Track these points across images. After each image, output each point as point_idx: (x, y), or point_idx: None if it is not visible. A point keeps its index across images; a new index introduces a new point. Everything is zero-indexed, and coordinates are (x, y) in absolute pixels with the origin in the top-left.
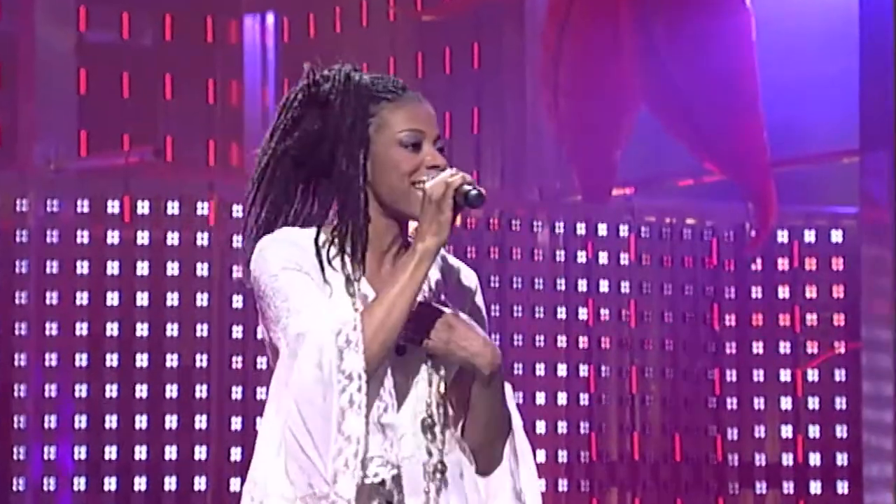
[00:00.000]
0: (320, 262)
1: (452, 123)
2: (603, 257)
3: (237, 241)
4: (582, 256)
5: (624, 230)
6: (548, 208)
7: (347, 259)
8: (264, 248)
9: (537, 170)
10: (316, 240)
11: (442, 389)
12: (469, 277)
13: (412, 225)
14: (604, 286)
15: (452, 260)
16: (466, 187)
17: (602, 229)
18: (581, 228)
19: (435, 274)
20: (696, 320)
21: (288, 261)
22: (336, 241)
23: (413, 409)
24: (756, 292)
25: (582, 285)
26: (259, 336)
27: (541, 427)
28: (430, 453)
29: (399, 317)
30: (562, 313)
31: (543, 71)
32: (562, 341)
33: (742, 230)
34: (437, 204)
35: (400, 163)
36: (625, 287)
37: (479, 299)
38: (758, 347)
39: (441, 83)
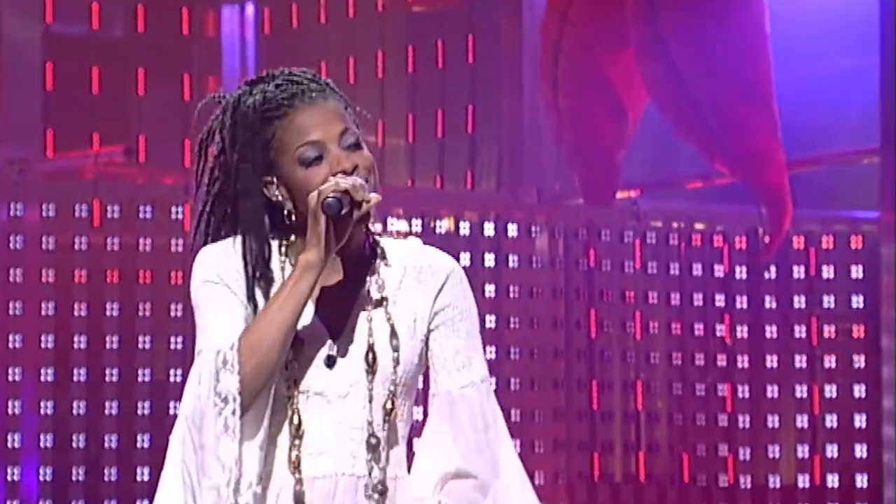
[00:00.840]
0: (247, 272)
1: (445, 121)
2: (606, 264)
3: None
4: (583, 263)
5: (628, 235)
6: (547, 212)
7: (287, 265)
8: (195, 261)
9: (535, 170)
10: (244, 248)
11: (388, 406)
12: (435, 272)
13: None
14: (607, 295)
15: (423, 254)
16: (331, 195)
17: (605, 234)
18: (582, 234)
19: (389, 273)
20: (706, 332)
21: (209, 273)
22: (250, 255)
23: (344, 424)
24: (770, 302)
25: (583, 294)
26: None
27: (539, 446)
28: (370, 472)
29: (277, 335)
30: (562, 324)
31: (542, 65)
32: (562, 354)
33: (755, 236)
34: (313, 214)
35: (308, 182)
36: (629, 296)
37: (449, 294)
38: (771, 361)
39: (433, 78)
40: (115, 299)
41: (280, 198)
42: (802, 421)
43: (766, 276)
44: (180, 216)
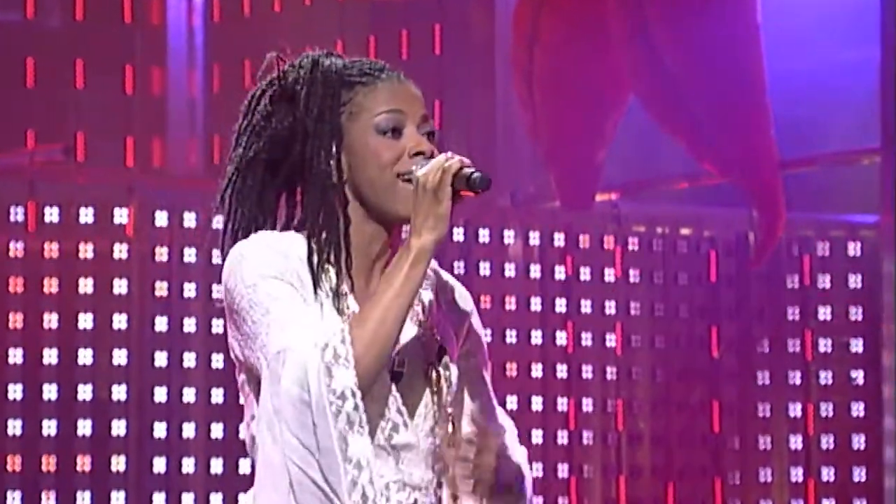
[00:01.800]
0: (312, 273)
1: None
2: (584, 273)
3: (161, 253)
4: (560, 272)
5: (609, 241)
6: (521, 216)
7: (331, 271)
8: (241, 255)
9: (508, 171)
10: (309, 248)
11: (450, 430)
12: (465, 297)
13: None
14: (585, 306)
15: (446, 276)
16: (467, 170)
17: (583, 240)
18: (559, 239)
19: (423, 290)
20: (692, 346)
21: (269, 268)
22: (316, 250)
23: (423, 433)
24: (761, 313)
25: (560, 305)
26: (189, 361)
27: None
28: (439, 484)
29: (394, 324)
30: (537, 338)
31: (516, 57)
32: (537, 370)
33: (745, 241)
34: (434, 193)
35: (379, 152)
36: (609, 307)
37: (476, 323)
38: (763, 378)
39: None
40: (53, 310)
41: (345, 169)
42: (796, 442)
43: (757, 284)
44: (124, 220)
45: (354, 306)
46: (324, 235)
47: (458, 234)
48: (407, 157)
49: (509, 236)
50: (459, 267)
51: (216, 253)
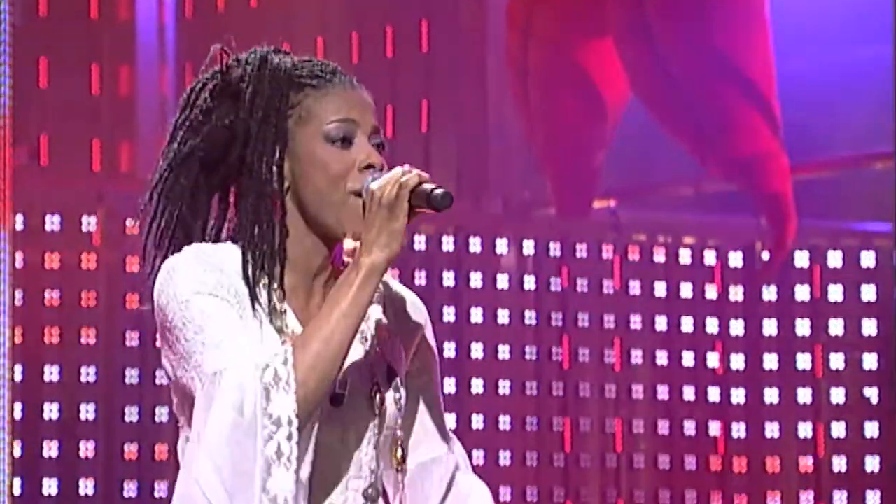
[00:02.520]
0: (249, 287)
1: (395, 119)
2: (582, 284)
3: (132, 263)
4: (556, 283)
5: (607, 251)
6: (515, 223)
7: (268, 286)
8: (173, 270)
9: (501, 176)
10: (244, 260)
11: (398, 455)
12: (417, 309)
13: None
14: (583, 320)
15: (396, 286)
16: (427, 186)
17: (581, 250)
18: (555, 249)
19: (372, 305)
20: (696, 362)
21: (203, 284)
22: (251, 263)
23: (341, 472)
24: (769, 328)
25: (556, 319)
26: (162, 378)
27: (505, 493)
28: None
29: (340, 347)
30: (531, 353)
31: (509, 53)
32: (531, 388)
33: (752, 251)
34: (388, 209)
35: (327, 162)
36: (608, 321)
37: (429, 336)
38: (771, 396)
39: (381, 69)
40: (18, 322)
41: (288, 176)
42: (806, 464)
43: (766, 297)
44: (92, 227)
45: (294, 324)
46: (259, 247)
47: (448, 244)
48: (357, 171)
49: (502, 245)
50: (449, 278)
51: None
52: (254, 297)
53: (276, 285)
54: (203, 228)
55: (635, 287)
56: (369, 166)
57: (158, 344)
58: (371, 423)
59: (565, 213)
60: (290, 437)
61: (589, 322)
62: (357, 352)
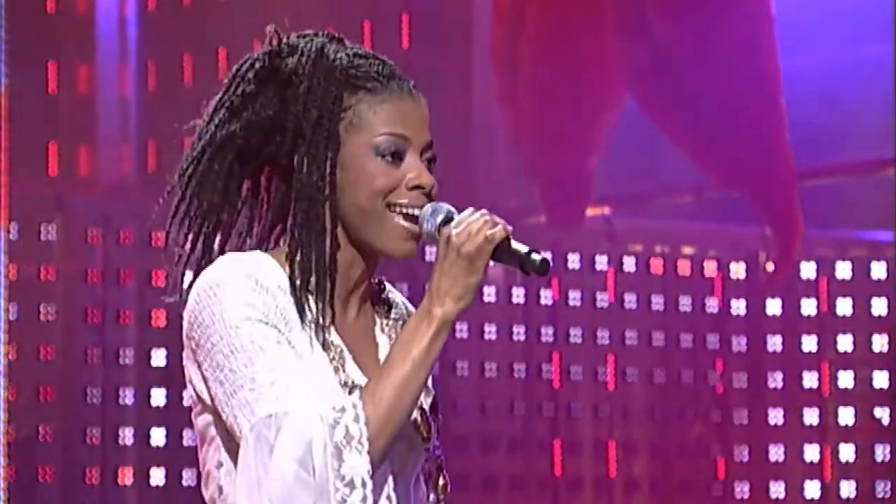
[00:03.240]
0: (299, 308)
1: None
2: (574, 297)
3: (95, 275)
4: (546, 296)
5: (601, 262)
6: None
7: (310, 299)
8: (218, 286)
9: (487, 181)
10: (291, 272)
11: (441, 482)
12: None
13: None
14: (575, 336)
15: (408, 304)
16: (518, 246)
17: (573, 260)
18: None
19: (389, 325)
20: (696, 381)
21: (253, 308)
22: (299, 276)
23: None
24: (773, 344)
25: (546, 334)
26: (126, 399)
27: None
28: None
29: (411, 403)
30: (520, 371)
31: (497, 49)
32: (519, 408)
33: (755, 262)
34: (470, 260)
35: (374, 177)
36: (602, 337)
37: None
38: (775, 417)
39: None
40: None
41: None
42: (813, 490)
43: (770, 311)
44: (52, 237)
45: (337, 339)
46: (311, 258)
47: (431, 254)
48: (404, 189)
49: None
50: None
51: (159, 274)
52: (301, 314)
53: (325, 300)
54: (231, 222)
55: (631, 300)
56: (418, 187)
57: (185, 360)
58: (420, 454)
59: (556, 221)
60: (364, 500)
61: (581, 338)
62: None
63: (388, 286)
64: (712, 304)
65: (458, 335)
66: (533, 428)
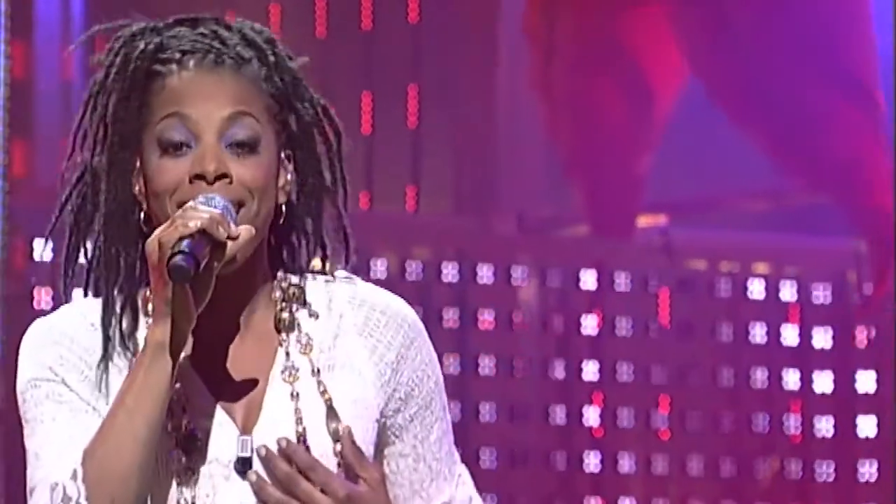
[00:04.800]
0: (105, 349)
1: (375, 111)
2: (620, 325)
3: (43, 298)
4: (589, 323)
5: (654, 282)
6: (533, 247)
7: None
8: (21, 349)
9: (515, 187)
10: (104, 315)
11: None
12: (389, 322)
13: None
14: (623, 373)
15: (365, 296)
16: (177, 251)
17: (620, 280)
18: (588, 279)
19: (316, 328)
20: (770, 428)
21: (40, 367)
22: (104, 316)
23: None
24: (864, 383)
25: (589, 371)
26: None
27: None
28: None
29: (130, 456)
30: (558, 416)
31: (529, 27)
32: (559, 460)
33: (843, 283)
34: (156, 270)
35: (155, 175)
36: (656, 374)
37: (419, 356)
38: (870, 470)
39: (355, 46)
40: None
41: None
42: None
43: (860, 342)
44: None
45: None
46: (109, 297)
47: (450, 273)
48: (187, 183)
49: (518, 275)
50: (451, 317)
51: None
52: (107, 354)
53: (128, 336)
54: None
55: (691, 329)
56: (198, 176)
57: None
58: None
59: (601, 232)
60: None
61: (631, 375)
62: (280, 397)
63: (315, 285)
64: (791, 334)
65: (481, 371)
66: (571, 483)
